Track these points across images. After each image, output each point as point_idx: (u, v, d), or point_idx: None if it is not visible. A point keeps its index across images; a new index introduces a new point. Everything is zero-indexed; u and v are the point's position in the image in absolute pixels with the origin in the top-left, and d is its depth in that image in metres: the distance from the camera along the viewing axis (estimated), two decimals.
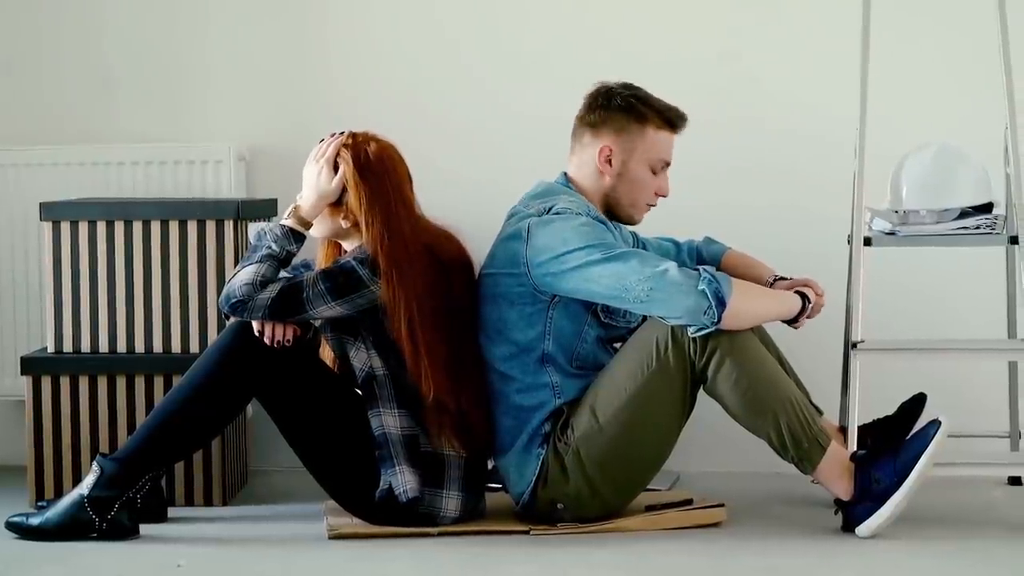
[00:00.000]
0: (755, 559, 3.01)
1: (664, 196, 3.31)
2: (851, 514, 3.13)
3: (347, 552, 3.08)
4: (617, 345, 3.26)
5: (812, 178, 3.82)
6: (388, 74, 3.94)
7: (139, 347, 3.52)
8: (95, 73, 3.99)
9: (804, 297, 3.21)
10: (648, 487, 3.30)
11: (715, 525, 3.24)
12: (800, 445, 3.10)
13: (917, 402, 3.40)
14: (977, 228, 3.37)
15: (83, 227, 3.51)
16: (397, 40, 3.95)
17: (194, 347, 3.51)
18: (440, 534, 3.15)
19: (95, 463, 3.15)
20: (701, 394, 3.16)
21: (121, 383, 3.49)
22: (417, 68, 3.93)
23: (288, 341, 3.13)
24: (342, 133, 3.21)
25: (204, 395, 3.14)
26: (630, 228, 3.37)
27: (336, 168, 3.17)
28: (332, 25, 3.96)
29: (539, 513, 3.21)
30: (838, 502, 3.16)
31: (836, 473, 3.13)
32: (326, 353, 3.27)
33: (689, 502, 3.33)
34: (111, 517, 3.13)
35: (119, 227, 3.51)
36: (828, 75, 3.78)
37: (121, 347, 3.52)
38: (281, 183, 3.78)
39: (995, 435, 3.61)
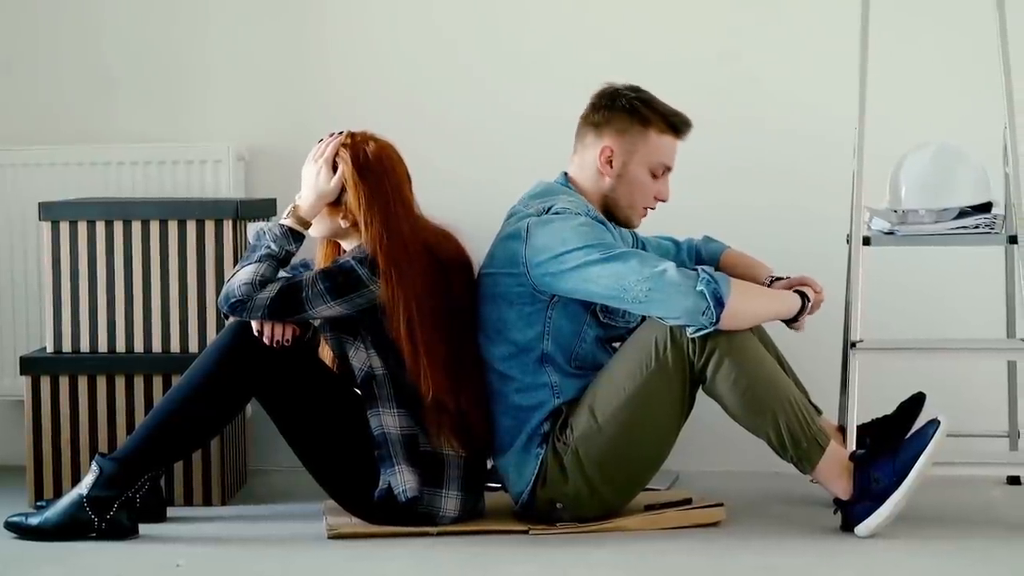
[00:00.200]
0: (754, 558, 3.01)
1: (663, 201, 3.31)
2: (850, 513, 3.13)
3: (346, 552, 3.08)
4: (616, 345, 3.26)
5: (811, 178, 3.82)
6: (387, 74, 3.94)
7: (138, 347, 3.52)
8: (94, 73, 3.99)
9: (803, 296, 3.21)
10: (647, 487, 3.30)
11: (714, 525, 3.24)
12: (799, 445, 3.10)
13: (916, 401, 3.40)
14: (976, 228, 3.37)
15: (82, 227, 3.51)
16: (396, 40, 3.95)
17: (193, 347, 3.51)
18: (439, 534, 3.15)
19: (94, 463, 3.15)
20: (700, 393, 3.16)
21: (120, 383, 3.49)
22: (416, 68, 3.93)
23: (287, 341, 3.13)
24: (341, 133, 3.21)
25: (203, 395, 3.14)
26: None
27: (335, 168, 3.18)
28: (331, 25, 3.96)
29: (538, 513, 3.21)
30: (837, 501, 3.16)
31: (835, 472, 3.13)
32: (325, 353, 3.27)
33: (688, 502, 3.33)
34: (110, 517, 3.13)
35: (118, 227, 3.51)
36: (827, 75, 3.78)
37: (120, 347, 3.52)
38: (280, 183, 3.78)
39: (994, 435, 3.61)
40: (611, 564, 2.98)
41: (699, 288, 3.05)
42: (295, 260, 3.31)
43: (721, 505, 3.29)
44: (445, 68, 3.93)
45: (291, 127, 3.91)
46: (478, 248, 3.27)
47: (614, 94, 3.28)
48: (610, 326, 3.25)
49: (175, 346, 3.52)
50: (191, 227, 3.50)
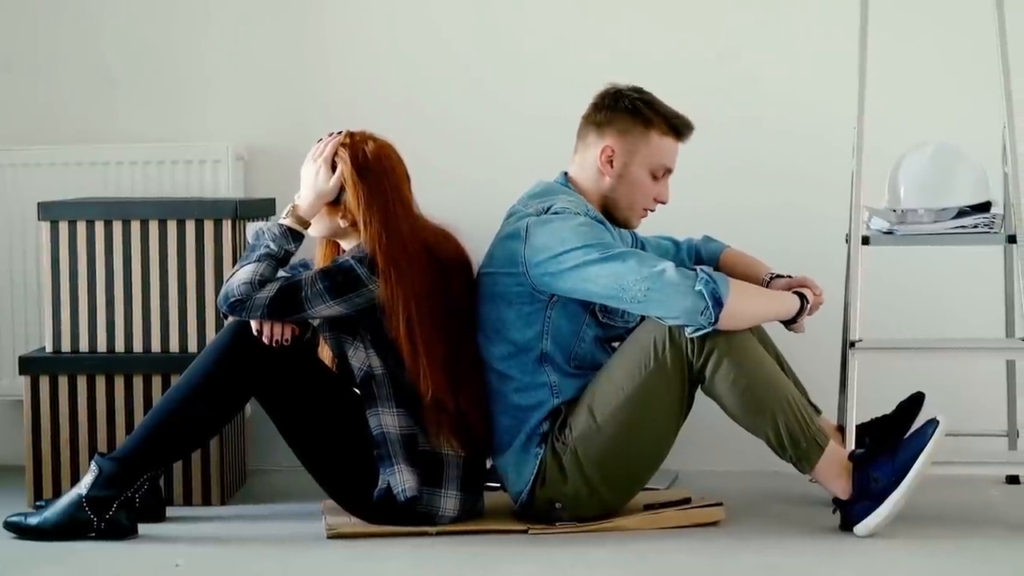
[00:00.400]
0: (753, 558, 3.01)
1: (663, 203, 3.30)
2: (849, 513, 3.13)
3: (346, 551, 3.08)
4: (615, 345, 3.26)
5: (810, 177, 3.83)
6: (386, 74, 3.94)
7: (137, 347, 3.52)
8: (94, 73, 3.99)
9: (802, 297, 3.21)
10: (646, 486, 3.30)
11: (713, 524, 3.24)
12: (798, 444, 3.10)
13: (915, 401, 3.40)
14: (975, 227, 3.37)
15: (81, 227, 3.51)
16: (395, 40, 3.95)
17: (192, 347, 3.51)
18: (439, 533, 3.15)
19: (93, 463, 3.15)
20: (700, 393, 3.16)
21: (119, 383, 3.49)
22: (415, 68, 3.93)
23: (286, 340, 3.13)
24: (339, 132, 3.21)
25: (202, 394, 3.14)
26: None
27: (334, 167, 3.18)
28: (330, 25, 3.96)
29: (537, 512, 3.21)
30: (836, 501, 3.16)
31: (834, 472, 3.13)
32: (325, 352, 3.27)
33: (687, 501, 3.33)
34: (109, 517, 3.13)
35: (117, 227, 3.51)
36: (826, 75, 3.78)
37: (119, 347, 3.52)
38: (279, 183, 3.78)
39: (993, 434, 3.61)
40: (610, 564, 2.98)
41: (698, 288, 3.05)
42: (295, 260, 3.31)
43: (720, 504, 3.29)
44: (444, 68, 3.93)
45: (290, 127, 3.91)
46: (477, 248, 3.27)
47: (617, 94, 3.28)
48: (609, 326, 3.25)
49: (174, 346, 3.51)
50: (190, 227, 3.50)
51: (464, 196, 3.70)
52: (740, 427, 3.15)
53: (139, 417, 3.41)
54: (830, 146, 3.70)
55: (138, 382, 3.49)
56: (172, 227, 3.50)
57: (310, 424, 3.17)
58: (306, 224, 3.19)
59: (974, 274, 3.74)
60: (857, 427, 3.28)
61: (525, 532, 3.18)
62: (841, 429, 3.35)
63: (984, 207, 3.38)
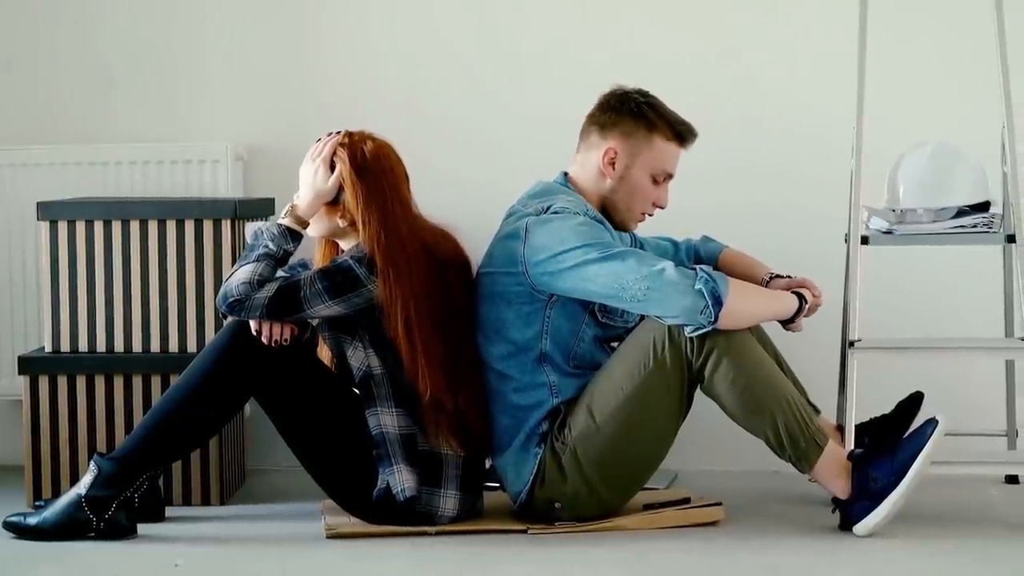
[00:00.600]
0: (753, 558, 3.01)
1: (662, 208, 3.30)
2: (849, 513, 3.13)
3: (345, 551, 3.08)
4: (615, 344, 3.26)
5: (810, 177, 3.83)
6: (385, 74, 3.94)
7: (136, 347, 3.52)
8: (93, 73, 3.99)
9: (801, 297, 3.21)
10: (646, 486, 3.30)
11: (713, 524, 3.24)
12: (797, 444, 3.10)
13: (914, 401, 3.41)
14: (974, 227, 3.37)
15: (80, 227, 3.51)
16: (394, 40, 3.95)
17: (191, 347, 3.50)
18: (438, 533, 3.15)
19: (92, 462, 3.15)
20: (699, 392, 3.16)
21: (118, 383, 3.49)
22: (414, 68, 3.93)
23: (286, 340, 3.13)
24: (338, 132, 3.21)
25: (202, 394, 3.14)
26: None
27: (332, 167, 3.18)
28: (329, 25, 3.96)
29: (537, 512, 3.21)
30: (836, 501, 3.16)
31: (834, 472, 3.13)
32: (324, 352, 3.27)
33: (687, 501, 3.33)
34: (109, 517, 3.13)
35: (116, 227, 3.51)
36: (826, 75, 3.78)
37: (118, 347, 3.52)
38: (278, 183, 3.78)
39: (992, 434, 3.61)
40: (609, 563, 2.98)
41: (698, 287, 3.05)
42: (294, 260, 3.31)
43: (720, 504, 3.29)
44: (444, 68, 3.93)
45: (289, 127, 3.91)
46: (476, 248, 3.27)
47: (623, 96, 3.28)
48: (609, 325, 3.25)
49: (173, 346, 3.51)
50: (189, 227, 3.50)
51: (464, 196, 3.70)
52: (739, 427, 3.15)
53: (138, 417, 3.41)
54: (830, 146, 3.70)
55: (137, 382, 3.49)
56: (171, 227, 3.50)
57: (309, 424, 3.17)
58: (304, 224, 3.19)
59: (973, 274, 3.74)
60: (856, 427, 3.28)
61: (524, 532, 3.18)
62: (840, 429, 3.35)
63: (983, 207, 3.38)
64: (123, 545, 3.12)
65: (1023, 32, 3.46)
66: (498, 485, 3.34)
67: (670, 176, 3.30)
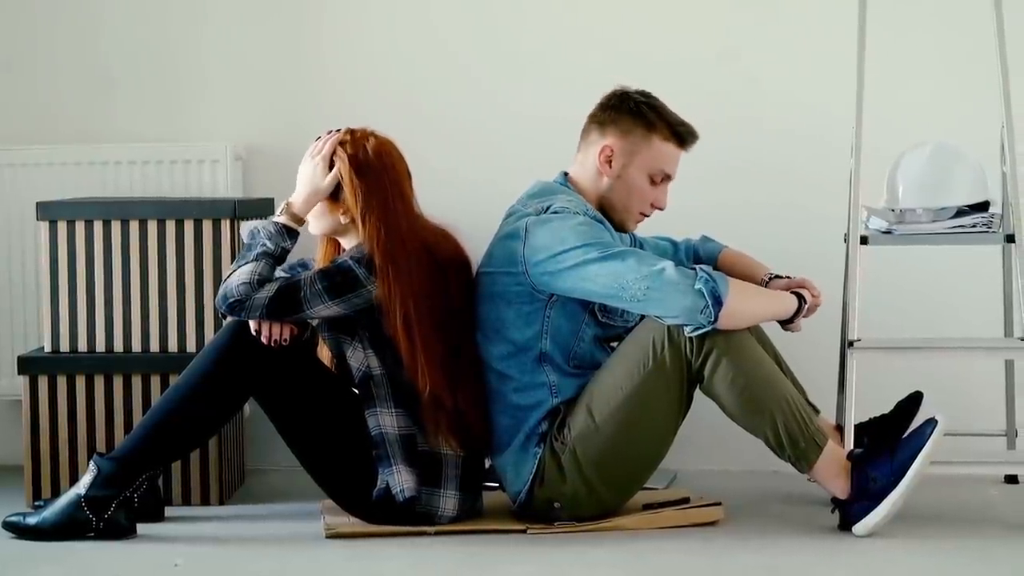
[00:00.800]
0: (752, 557, 3.01)
1: (660, 208, 3.30)
2: (848, 513, 3.13)
3: (344, 551, 3.08)
4: (615, 344, 3.26)
5: (809, 177, 3.83)
6: (384, 74, 3.94)
7: (136, 347, 3.52)
8: (92, 73, 3.99)
9: (800, 298, 3.21)
10: (645, 486, 3.30)
11: (712, 524, 3.24)
12: (797, 444, 3.10)
13: (913, 401, 3.40)
14: (973, 227, 3.37)
15: (80, 227, 3.51)
16: (393, 40, 3.95)
17: (191, 347, 3.50)
18: (437, 533, 3.15)
19: (92, 462, 3.15)
20: (698, 392, 3.16)
21: (118, 383, 3.49)
22: (413, 68, 3.93)
23: (285, 340, 3.13)
24: (338, 130, 3.21)
25: (201, 394, 3.14)
26: None
27: (332, 165, 3.17)
28: (328, 25, 3.96)
29: (536, 512, 3.21)
30: (835, 501, 3.16)
31: (833, 472, 3.13)
32: (323, 353, 3.27)
33: (686, 501, 3.33)
34: (108, 516, 3.13)
35: (116, 227, 3.51)
36: (826, 75, 3.78)
37: (118, 347, 3.52)
38: (278, 182, 3.77)
39: (991, 434, 3.61)
40: (609, 563, 2.98)
41: (697, 287, 3.05)
42: (294, 260, 3.31)
43: (719, 504, 3.29)
44: (443, 68, 3.93)
45: (288, 127, 3.91)
46: (476, 248, 3.27)
47: (624, 96, 3.28)
48: (609, 325, 3.25)
49: (173, 346, 3.51)
50: (189, 227, 3.50)
51: (463, 196, 3.69)
52: (739, 427, 3.15)
53: (138, 417, 3.41)
54: (830, 146, 3.70)
55: (137, 382, 3.49)
56: (171, 227, 3.50)
57: (309, 424, 3.17)
58: (301, 221, 3.19)
59: (972, 274, 3.74)
60: (856, 427, 3.28)
61: (524, 532, 3.18)
62: (840, 429, 3.35)
63: (982, 206, 3.38)
64: (123, 545, 3.12)
65: (1023, 32, 3.46)
66: (497, 485, 3.34)
67: (669, 177, 3.30)
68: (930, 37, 3.82)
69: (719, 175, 3.81)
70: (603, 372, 3.18)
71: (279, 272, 3.21)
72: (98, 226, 3.51)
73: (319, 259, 3.30)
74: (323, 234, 3.26)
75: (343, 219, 3.18)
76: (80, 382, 3.49)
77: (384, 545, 3.11)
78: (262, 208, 3.70)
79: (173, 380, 3.24)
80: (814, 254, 3.65)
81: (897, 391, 3.43)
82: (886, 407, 3.40)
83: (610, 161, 3.26)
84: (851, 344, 3.30)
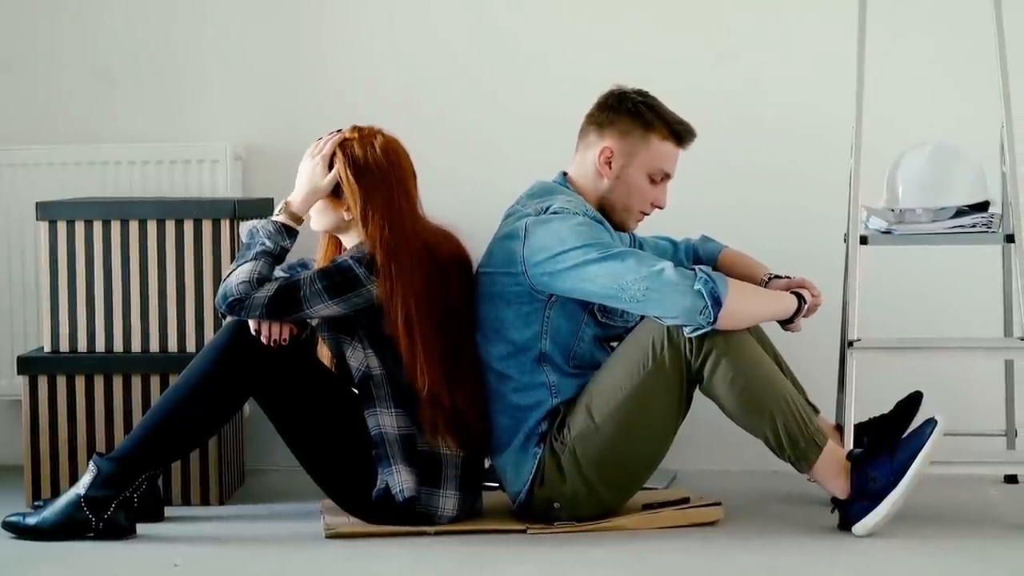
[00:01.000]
0: (752, 557, 3.01)
1: (660, 208, 3.30)
2: (848, 513, 3.13)
3: (344, 551, 3.08)
4: (615, 344, 3.26)
5: (809, 177, 3.83)
6: (384, 74, 3.94)
7: (135, 347, 3.52)
8: (92, 73, 3.99)
9: (800, 298, 3.21)
10: (645, 486, 3.30)
11: (712, 524, 3.24)
12: (797, 444, 3.10)
13: (913, 401, 3.40)
14: (973, 227, 3.37)
15: (79, 227, 3.51)
16: (393, 40, 3.95)
17: (191, 347, 3.50)
18: (437, 533, 3.15)
19: (91, 462, 3.15)
20: (698, 392, 3.16)
21: (118, 383, 3.49)
22: (413, 68, 3.93)
23: (285, 340, 3.13)
24: (339, 131, 3.21)
25: (201, 394, 3.14)
26: None
27: (332, 165, 3.17)
28: (328, 25, 3.96)
29: (536, 512, 3.21)
30: (835, 500, 3.16)
31: (833, 472, 3.13)
32: (323, 352, 3.27)
33: (686, 501, 3.33)
34: (108, 517, 3.12)
35: (115, 227, 3.51)
36: (826, 75, 3.79)
37: (118, 347, 3.52)
38: (278, 182, 3.77)
39: (991, 434, 3.61)
40: (609, 563, 2.98)
41: (697, 287, 3.05)
42: (294, 260, 3.31)
43: (719, 504, 3.29)
44: (442, 68, 3.93)
45: (288, 126, 3.91)
46: (476, 248, 3.27)
47: (621, 95, 3.28)
48: (608, 325, 3.25)
49: (172, 346, 3.51)
50: (188, 227, 3.50)
51: (463, 196, 3.69)
52: (739, 427, 3.15)
53: (137, 417, 3.41)
54: (829, 146, 3.70)
55: (136, 382, 3.49)
56: (170, 227, 3.50)
57: (308, 424, 3.17)
58: (300, 220, 3.19)
59: (972, 274, 3.74)
60: (855, 426, 3.28)
61: (524, 532, 3.18)
62: (839, 428, 3.35)
63: (982, 206, 3.38)
64: (122, 545, 3.12)
65: (1023, 32, 3.46)
66: (497, 485, 3.34)
67: (668, 176, 3.30)
68: (930, 37, 3.82)
69: (719, 175, 3.82)
70: (603, 372, 3.18)
71: (278, 272, 3.21)
72: (98, 226, 3.51)
73: (320, 258, 3.30)
74: (325, 231, 3.26)
75: (346, 215, 3.18)
76: (80, 382, 3.50)
77: (384, 545, 3.11)
78: (262, 208, 3.70)
79: (173, 380, 3.24)
80: (814, 254, 3.65)
81: (897, 391, 3.43)
82: (886, 407, 3.40)
83: (609, 162, 3.26)
84: (851, 344, 3.30)
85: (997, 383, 3.61)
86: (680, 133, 3.27)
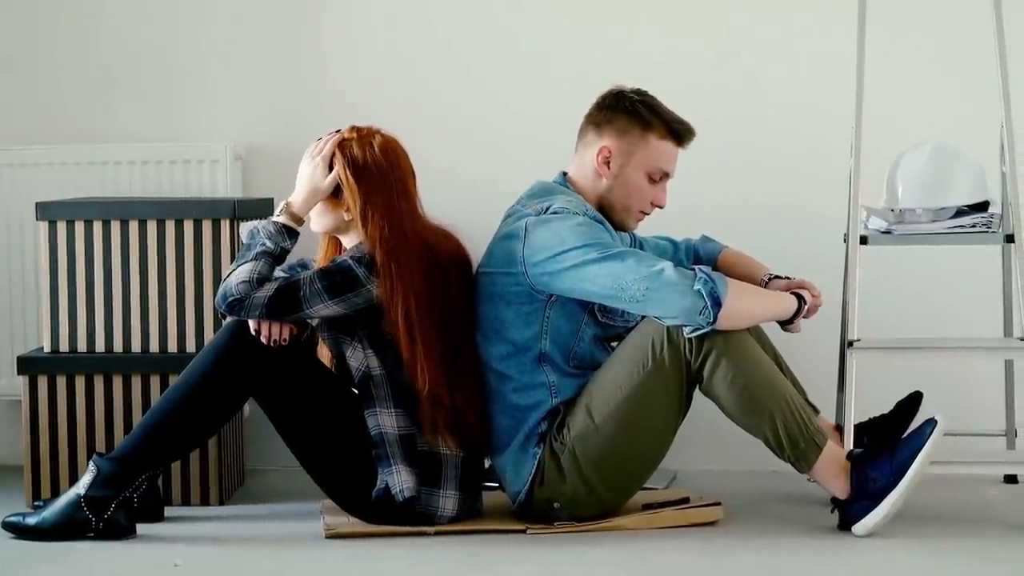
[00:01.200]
0: (752, 557, 3.01)
1: (660, 207, 3.30)
2: (848, 513, 3.13)
3: (344, 551, 3.08)
4: (615, 344, 3.26)
5: (809, 177, 3.83)
6: (384, 74, 3.94)
7: (135, 347, 3.52)
8: (92, 73, 3.99)
9: (800, 298, 3.20)
10: (645, 486, 3.30)
11: (712, 524, 3.24)
12: (797, 444, 3.10)
13: (913, 401, 3.41)
14: (973, 227, 3.37)
15: (79, 227, 3.51)
16: (393, 40, 3.95)
17: (190, 347, 3.50)
18: (437, 533, 3.15)
19: (91, 463, 3.15)
20: (698, 392, 3.16)
21: (117, 383, 3.49)
22: (413, 68, 3.93)
23: (284, 340, 3.13)
24: (338, 131, 3.21)
25: (201, 394, 3.14)
26: None
27: (332, 166, 3.17)
28: (328, 25, 3.96)
29: (536, 512, 3.21)
30: (835, 501, 3.16)
31: (833, 472, 3.13)
32: (323, 352, 3.27)
33: (686, 501, 3.33)
34: (108, 517, 3.13)
35: (115, 227, 3.51)
36: (826, 74, 3.79)
37: (117, 347, 3.52)
38: (278, 183, 3.77)
39: (991, 434, 3.61)
40: (609, 563, 2.98)
41: (697, 287, 3.05)
42: (293, 260, 3.31)
43: (719, 504, 3.29)
44: (442, 68, 3.93)
45: (288, 126, 3.91)
46: (476, 248, 3.27)
47: (619, 95, 3.28)
48: (608, 325, 3.25)
49: (172, 346, 3.51)
50: (188, 227, 3.50)
51: (463, 196, 3.69)
52: (739, 427, 3.15)
53: (137, 417, 3.41)
54: (829, 146, 3.70)
55: (136, 382, 3.49)
56: (170, 227, 3.50)
57: (308, 424, 3.17)
58: (300, 221, 3.19)
59: (972, 274, 3.74)
60: (855, 426, 3.28)
61: (524, 532, 3.18)
62: (839, 429, 3.35)
63: (982, 206, 3.38)
64: (122, 545, 3.12)
65: (1023, 32, 3.46)
66: (497, 485, 3.34)
67: (667, 175, 3.30)
68: (930, 37, 3.82)
69: (719, 175, 3.82)
70: (603, 372, 3.18)
71: (278, 272, 3.21)
72: (98, 226, 3.51)
73: (320, 258, 3.30)
74: (325, 232, 3.26)
75: (346, 216, 3.18)
76: (80, 382, 3.50)
77: (384, 545, 3.11)
78: (262, 208, 3.70)
79: (173, 380, 3.24)
80: (814, 254, 3.65)
81: (897, 391, 3.43)
82: (886, 407, 3.40)
83: (608, 162, 3.26)
84: (851, 344, 3.30)
85: (997, 383, 3.61)
86: (678, 132, 3.27)
